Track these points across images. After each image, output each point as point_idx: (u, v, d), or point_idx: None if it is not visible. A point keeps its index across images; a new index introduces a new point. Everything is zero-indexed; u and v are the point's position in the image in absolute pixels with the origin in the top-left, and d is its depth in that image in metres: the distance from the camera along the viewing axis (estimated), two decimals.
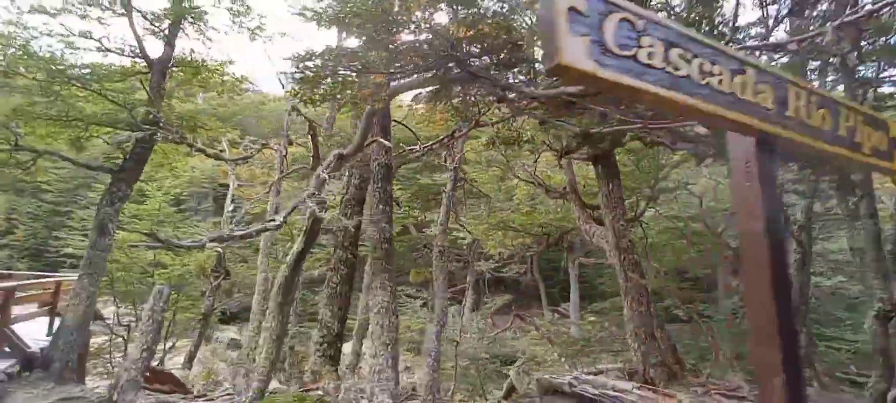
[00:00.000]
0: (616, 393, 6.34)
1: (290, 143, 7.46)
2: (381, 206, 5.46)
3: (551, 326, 17.81)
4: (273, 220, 3.74)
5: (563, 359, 12.75)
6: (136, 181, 9.40)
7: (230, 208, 13.66)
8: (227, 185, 30.55)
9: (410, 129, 8.31)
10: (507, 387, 8.66)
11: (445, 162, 8.46)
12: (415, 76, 4.71)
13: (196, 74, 11.03)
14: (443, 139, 6.13)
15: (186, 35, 10.70)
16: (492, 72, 4.42)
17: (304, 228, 5.92)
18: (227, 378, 14.34)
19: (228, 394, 6.34)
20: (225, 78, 11.19)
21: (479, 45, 4.15)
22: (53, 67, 8.00)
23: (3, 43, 7.80)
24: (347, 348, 11.46)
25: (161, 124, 8.52)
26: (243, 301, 17.01)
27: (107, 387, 5.01)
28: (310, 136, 5.15)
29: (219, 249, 12.72)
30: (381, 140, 5.78)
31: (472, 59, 4.36)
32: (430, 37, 4.01)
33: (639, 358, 8.64)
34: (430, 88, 5.30)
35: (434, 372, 5.41)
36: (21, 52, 7.87)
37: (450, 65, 4.23)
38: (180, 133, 6.17)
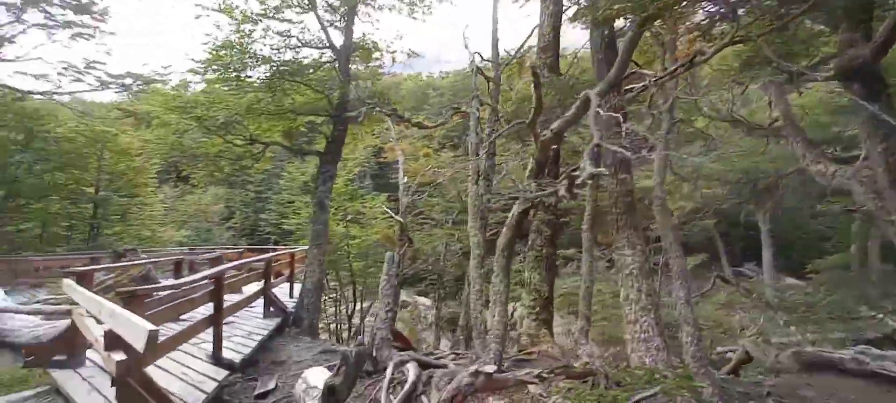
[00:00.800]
0: None
1: (481, 104, 7.23)
2: (618, 155, 4.74)
3: (753, 289, 15.07)
4: (579, 170, 3.35)
5: (791, 328, 10.60)
6: (339, 161, 10.35)
7: (404, 181, 14.52)
8: (380, 164, 33.15)
9: (635, 62, 7.25)
10: (738, 358, 7.33)
11: (649, 103, 7.26)
12: None
13: (370, 55, 11.68)
14: (677, 68, 5.05)
15: (359, 19, 11.31)
16: None
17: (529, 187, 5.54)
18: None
19: (455, 353, 6.49)
20: (394, 54, 11.61)
21: None
22: (272, 65, 9.12)
23: (233, 48, 9.10)
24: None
25: (352, 104, 9.08)
26: (418, 267, 18.10)
27: (364, 343, 5.41)
28: (532, 85, 4.66)
29: (401, 220, 13.59)
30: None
31: None
32: None
33: None
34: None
35: (699, 341, 4.65)
36: (247, 56, 9.12)
37: None
38: (393, 108, 6.40)
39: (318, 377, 4.43)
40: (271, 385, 5.22)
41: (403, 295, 28.11)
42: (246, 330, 6.94)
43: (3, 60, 14.77)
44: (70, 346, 5.23)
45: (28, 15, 14.44)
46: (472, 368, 3.55)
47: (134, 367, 3.29)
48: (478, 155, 7.12)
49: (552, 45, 7.47)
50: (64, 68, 15.03)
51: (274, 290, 9.32)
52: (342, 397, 3.39)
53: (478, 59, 8.19)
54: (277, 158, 37.68)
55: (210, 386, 4.60)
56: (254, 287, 8.00)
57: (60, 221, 17.36)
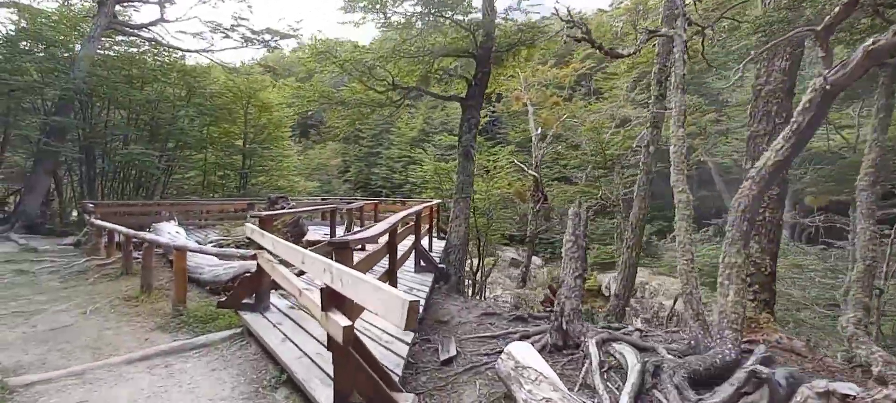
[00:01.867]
0: None
1: (690, 23, 5.61)
2: None
3: None
4: None
5: None
6: (481, 107, 9.45)
7: (538, 130, 13.26)
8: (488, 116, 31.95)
9: None
10: None
11: None
12: None
13: None
14: None
15: None
16: None
17: (793, 127, 4.01)
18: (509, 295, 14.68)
19: (638, 330, 5.36)
20: None
21: None
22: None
23: None
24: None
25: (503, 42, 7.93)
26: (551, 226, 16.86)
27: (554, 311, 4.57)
28: None
29: (535, 174, 12.48)
30: None
31: None
32: None
33: None
34: None
35: None
36: None
37: None
38: (587, 30, 5.21)
39: (527, 355, 3.68)
40: (453, 351, 4.67)
41: (512, 253, 27.38)
42: (405, 285, 6.56)
43: (165, 21, 16.34)
44: (256, 290, 5.21)
45: None
46: (821, 385, 2.45)
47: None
48: (682, 90, 5.60)
49: None
50: (214, 27, 16.17)
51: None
52: None
53: None
54: (386, 116, 38.57)
55: (402, 349, 4.13)
56: (406, 241, 7.62)
57: (216, 171, 19.43)
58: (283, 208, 10.94)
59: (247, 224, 5.55)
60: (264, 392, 3.73)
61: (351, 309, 3.04)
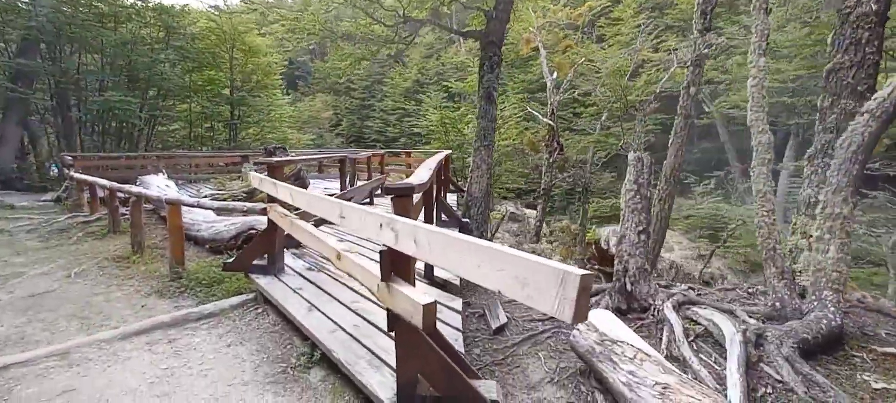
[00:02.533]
0: None
1: None
2: None
3: None
4: None
5: None
6: (502, 43, 8.45)
7: (553, 76, 12.27)
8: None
9: None
10: None
11: None
12: None
13: None
14: None
15: None
16: None
17: None
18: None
19: (709, 289, 4.80)
20: None
21: None
22: None
23: None
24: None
25: None
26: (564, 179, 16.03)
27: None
28: None
29: (551, 123, 11.64)
30: None
31: None
32: None
33: None
34: None
35: None
36: None
37: None
38: None
39: (613, 325, 3.06)
40: (503, 318, 4.05)
41: (512, 208, 26.79)
42: None
43: None
44: (269, 250, 4.47)
45: None
46: None
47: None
48: (765, 10, 4.75)
49: None
50: None
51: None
52: None
53: None
54: (378, 67, 36.71)
55: (454, 318, 3.48)
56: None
57: (203, 122, 18.15)
58: (281, 159, 10.05)
59: (251, 174, 4.74)
60: (295, 373, 3.07)
61: (407, 273, 2.33)
